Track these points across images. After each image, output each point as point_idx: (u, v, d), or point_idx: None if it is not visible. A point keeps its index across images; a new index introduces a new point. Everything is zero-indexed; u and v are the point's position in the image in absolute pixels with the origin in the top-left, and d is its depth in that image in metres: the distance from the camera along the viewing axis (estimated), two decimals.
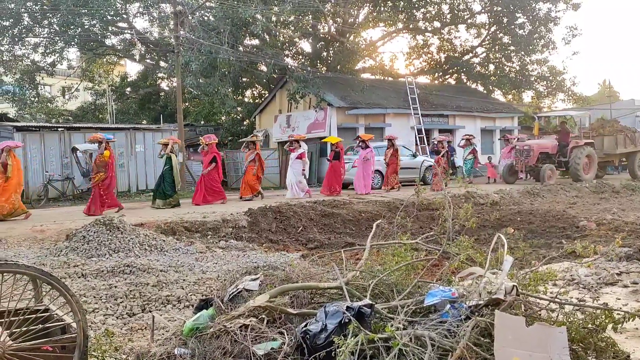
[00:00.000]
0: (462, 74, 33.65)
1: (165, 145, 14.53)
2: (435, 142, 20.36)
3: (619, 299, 4.72)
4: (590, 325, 3.05)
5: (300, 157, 16.29)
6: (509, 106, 31.74)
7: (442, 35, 32.95)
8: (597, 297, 4.65)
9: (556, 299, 3.29)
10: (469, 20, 32.14)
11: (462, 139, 21.26)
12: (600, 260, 5.64)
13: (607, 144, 21.49)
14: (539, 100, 35.47)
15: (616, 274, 5.40)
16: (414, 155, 20.62)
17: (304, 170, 16.31)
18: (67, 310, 2.82)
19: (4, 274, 2.60)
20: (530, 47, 30.55)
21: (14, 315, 2.68)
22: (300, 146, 16.37)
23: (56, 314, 3.00)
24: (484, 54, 33.56)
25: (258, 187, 15.88)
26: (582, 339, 2.97)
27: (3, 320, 2.61)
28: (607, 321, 3.10)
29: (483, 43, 33.13)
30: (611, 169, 25.09)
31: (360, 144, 17.71)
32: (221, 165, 15.88)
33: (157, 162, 19.40)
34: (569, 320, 3.07)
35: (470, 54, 33.80)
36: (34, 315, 2.80)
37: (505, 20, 30.74)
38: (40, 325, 2.70)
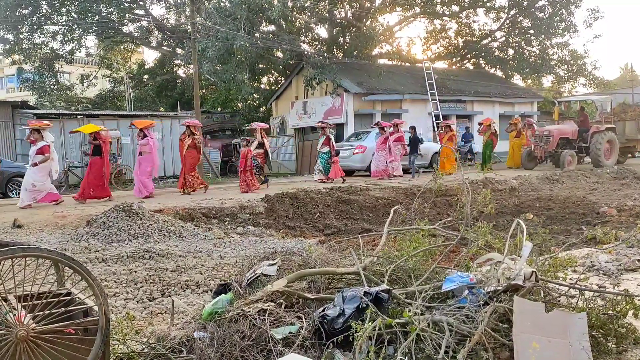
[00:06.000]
0: (481, 58, 33.19)
1: None
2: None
3: None
4: (610, 312, 3.03)
5: (41, 151, 11.49)
6: (528, 91, 31.28)
7: (460, 20, 32.47)
8: (618, 283, 4.59)
9: (576, 285, 3.26)
10: (488, 4, 31.61)
11: (318, 127, 17.24)
12: (621, 247, 5.57)
13: (628, 129, 21.10)
14: (559, 85, 34.90)
15: (637, 260, 5.33)
16: (421, 141, 19.86)
17: (35, 166, 11.48)
18: (88, 294, 2.87)
19: (27, 258, 2.65)
20: (551, 31, 29.97)
21: (37, 298, 2.73)
22: (42, 137, 11.59)
23: (78, 298, 3.05)
24: (503, 38, 33.03)
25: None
26: (602, 325, 2.95)
27: (27, 303, 2.66)
28: (627, 307, 3.08)
29: (502, 27, 32.58)
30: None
31: (139, 134, 13.60)
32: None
33: (175, 148, 19.51)
34: (589, 306, 3.05)
35: (489, 38, 33.29)
36: (57, 299, 2.86)
37: (525, 3, 30.17)
38: (63, 309, 2.75)
